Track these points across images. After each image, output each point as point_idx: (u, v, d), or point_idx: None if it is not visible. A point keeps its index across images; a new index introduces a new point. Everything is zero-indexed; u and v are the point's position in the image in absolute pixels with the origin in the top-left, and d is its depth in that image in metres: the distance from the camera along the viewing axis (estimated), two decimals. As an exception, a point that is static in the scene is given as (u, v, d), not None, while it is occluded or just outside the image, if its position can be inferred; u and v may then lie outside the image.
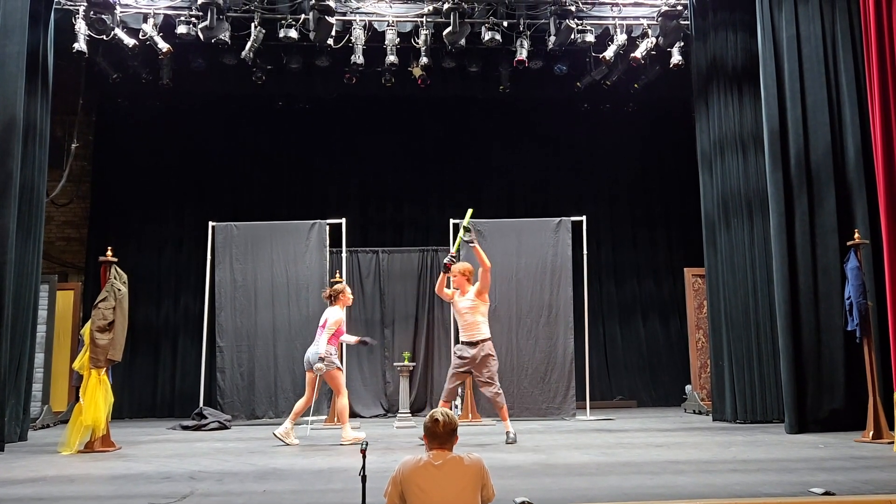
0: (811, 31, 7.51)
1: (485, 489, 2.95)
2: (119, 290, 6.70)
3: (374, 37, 8.81)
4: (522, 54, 8.77)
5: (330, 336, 6.83)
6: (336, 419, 8.29)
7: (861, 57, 7.26)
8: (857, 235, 6.69)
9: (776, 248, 7.32)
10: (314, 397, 7.02)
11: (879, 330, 6.74)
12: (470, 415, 8.61)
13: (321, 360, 6.73)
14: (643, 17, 8.94)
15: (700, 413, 9.26)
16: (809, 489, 4.15)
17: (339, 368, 7.01)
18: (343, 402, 6.99)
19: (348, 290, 7.26)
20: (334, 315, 6.96)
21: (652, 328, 11.57)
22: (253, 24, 8.48)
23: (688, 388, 9.84)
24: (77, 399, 6.63)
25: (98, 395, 6.42)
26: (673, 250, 11.66)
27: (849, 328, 6.60)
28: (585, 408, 9.12)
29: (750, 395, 7.90)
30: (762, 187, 7.87)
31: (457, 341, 9.27)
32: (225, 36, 8.45)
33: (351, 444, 6.77)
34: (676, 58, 8.98)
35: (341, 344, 7.48)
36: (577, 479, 4.84)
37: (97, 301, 6.63)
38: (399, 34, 8.78)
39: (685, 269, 10.10)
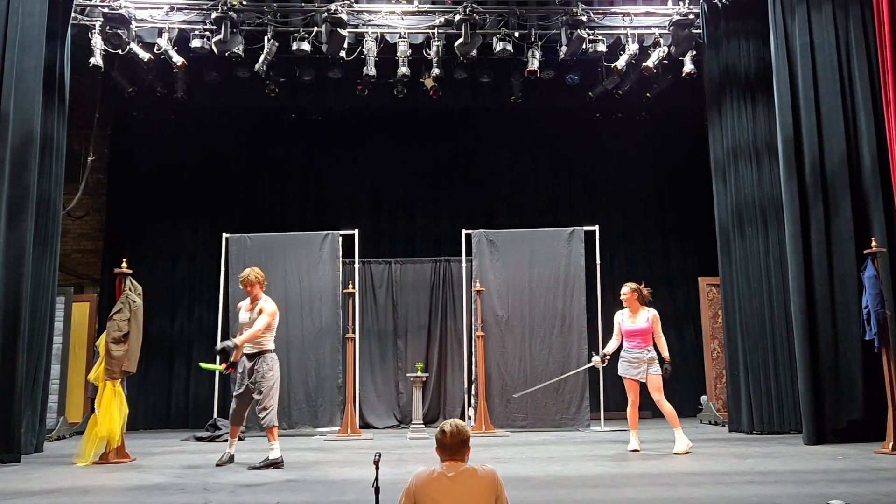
0: (825, 39, 7.48)
1: (499, 501, 2.93)
2: (134, 301, 6.75)
3: (386, 48, 8.87)
4: (534, 64, 8.79)
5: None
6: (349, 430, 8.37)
7: (876, 64, 7.23)
8: (873, 243, 6.62)
9: (792, 256, 7.27)
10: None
11: (898, 339, 6.68)
12: (483, 426, 8.57)
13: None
14: (655, 27, 8.93)
15: (716, 424, 9.18)
16: (828, 501, 4.10)
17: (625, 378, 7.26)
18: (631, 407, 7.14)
19: (625, 288, 7.51)
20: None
21: (666, 338, 11.42)
22: (266, 38, 8.56)
23: (703, 398, 9.76)
24: (92, 410, 6.66)
25: (113, 407, 6.46)
26: (687, 259, 11.58)
27: (867, 337, 6.55)
28: (600, 418, 9.08)
29: (766, 405, 7.83)
30: (777, 196, 7.83)
31: (470, 353, 9.32)
32: (238, 49, 8.54)
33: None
34: (689, 67, 8.94)
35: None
36: (592, 491, 4.81)
37: (112, 313, 6.68)
38: (411, 46, 8.82)
39: (699, 279, 10.04)
